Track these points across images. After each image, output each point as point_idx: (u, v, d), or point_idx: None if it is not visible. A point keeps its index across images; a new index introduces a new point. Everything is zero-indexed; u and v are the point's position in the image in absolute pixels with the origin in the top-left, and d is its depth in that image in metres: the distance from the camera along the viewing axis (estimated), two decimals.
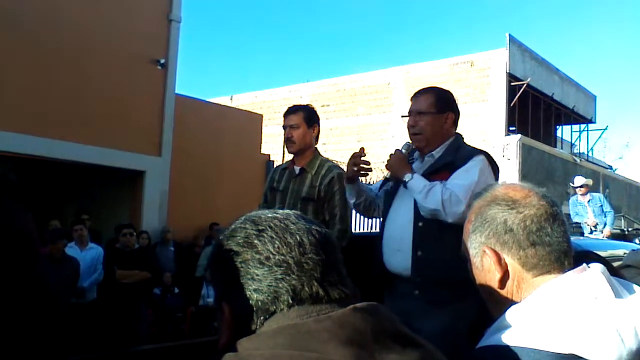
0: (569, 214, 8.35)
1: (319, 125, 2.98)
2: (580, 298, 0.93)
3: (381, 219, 2.47)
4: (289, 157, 3.13)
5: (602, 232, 7.83)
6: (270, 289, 0.79)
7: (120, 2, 7.85)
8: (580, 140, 18.86)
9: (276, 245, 0.81)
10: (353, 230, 3.33)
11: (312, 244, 0.83)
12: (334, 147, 14.96)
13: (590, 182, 8.55)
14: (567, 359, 0.85)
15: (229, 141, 9.56)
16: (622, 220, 13.14)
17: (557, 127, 18.54)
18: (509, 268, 1.02)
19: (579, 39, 67.32)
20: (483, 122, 13.91)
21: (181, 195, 8.49)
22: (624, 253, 2.76)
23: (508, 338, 0.90)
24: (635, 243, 6.76)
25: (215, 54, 76.56)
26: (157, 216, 8.33)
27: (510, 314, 0.95)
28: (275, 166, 3.92)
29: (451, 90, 2.48)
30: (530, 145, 14.19)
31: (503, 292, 1.03)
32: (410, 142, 2.39)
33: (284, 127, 2.95)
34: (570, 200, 8.65)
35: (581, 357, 0.85)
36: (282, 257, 0.80)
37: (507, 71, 13.97)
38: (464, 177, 2.16)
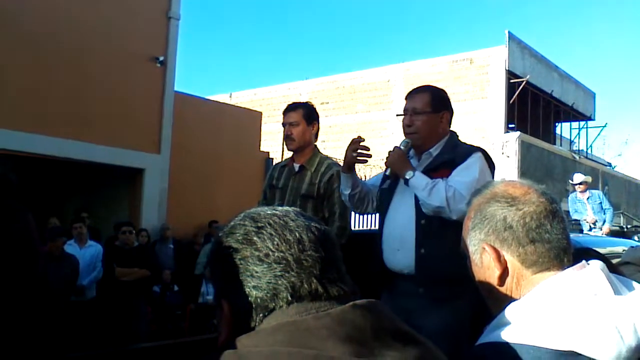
0: (568, 211, 8.34)
1: (318, 123, 2.98)
2: (579, 295, 0.93)
3: (379, 217, 2.46)
4: (288, 154, 3.12)
5: (601, 229, 7.83)
6: (270, 286, 0.79)
7: (120, 0, 7.84)
8: (579, 138, 18.87)
9: (275, 242, 0.81)
10: (352, 228, 3.33)
11: (312, 241, 0.83)
12: (334, 145, 14.92)
13: (589, 179, 8.55)
14: (566, 356, 0.85)
15: (228, 139, 9.53)
16: (621, 218, 13.12)
17: (557, 124, 18.54)
18: (509, 265, 1.02)
19: (579, 37, 67.37)
20: (482, 119, 13.89)
21: (180, 192, 8.48)
22: (623, 250, 2.77)
23: (507, 335, 0.90)
24: (634, 240, 6.77)
25: (214, 51, 76.61)
26: (157, 214, 8.32)
27: (509, 311, 0.95)
28: (274, 163, 3.91)
29: (451, 88, 2.49)
30: (529, 142, 14.19)
31: (502, 289, 1.03)
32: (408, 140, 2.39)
33: (284, 124, 2.94)
34: (569, 198, 8.64)
35: (580, 354, 0.85)
36: (282, 254, 0.80)
37: (507, 68, 13.94)
38: (466, 174, 2.16)
